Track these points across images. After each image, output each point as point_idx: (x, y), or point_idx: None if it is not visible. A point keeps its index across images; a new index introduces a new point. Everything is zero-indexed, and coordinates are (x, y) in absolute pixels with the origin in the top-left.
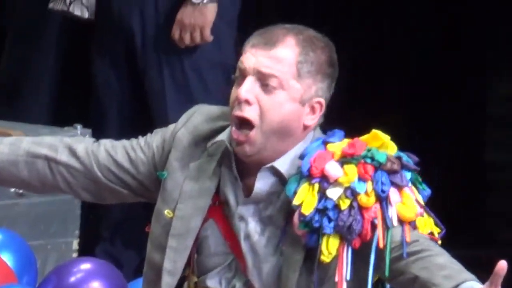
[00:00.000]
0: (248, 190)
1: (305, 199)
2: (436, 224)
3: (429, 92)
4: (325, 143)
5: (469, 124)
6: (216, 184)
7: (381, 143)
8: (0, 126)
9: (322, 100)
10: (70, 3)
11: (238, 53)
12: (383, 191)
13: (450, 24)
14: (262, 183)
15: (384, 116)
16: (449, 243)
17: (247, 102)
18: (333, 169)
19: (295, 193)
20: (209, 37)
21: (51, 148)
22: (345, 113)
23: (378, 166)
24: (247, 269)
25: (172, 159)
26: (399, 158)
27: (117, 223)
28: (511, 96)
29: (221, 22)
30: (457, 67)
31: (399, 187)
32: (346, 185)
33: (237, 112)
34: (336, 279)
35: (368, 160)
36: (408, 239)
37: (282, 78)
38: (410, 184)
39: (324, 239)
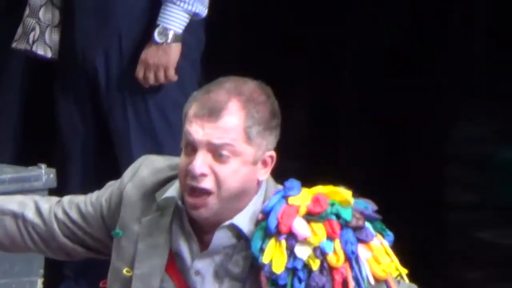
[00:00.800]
0: (203, 244)
1: (274, 256)
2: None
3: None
4: (285, 197)
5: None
6: (170, 240)
7: (343, 198)
8: None
9: (273, 153)
10: (33, 42)
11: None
12: (352, 252)
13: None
14: (220, 239)
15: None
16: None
17: (203, 175)
18: (301, 228)
19: (261, 250)
20: (173, 76)
21: (20, 205)
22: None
23: (344, 224)
24: None
25: (123, 216)
26: (362, 212)
27: (81, 262)
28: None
29: (185, 62)
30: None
31: (366, 242)
32: (315, 245)
33: (193, 183)
34: None
35: (333, 217)
36: None
37: (234, 146)
38: (374, 234)
39: None
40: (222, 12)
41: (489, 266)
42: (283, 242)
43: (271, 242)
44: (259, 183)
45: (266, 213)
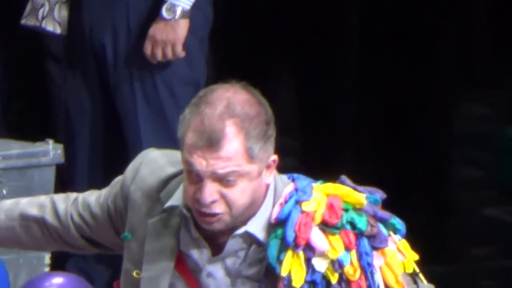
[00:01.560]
0: (214, 248)
1: (292, 269)
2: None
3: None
4: (298, 202)
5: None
6: (177, 242)
7: (355, 201)
8: None
9: (275, 157)
10: (42, 18)
11: (209, 73)
12: (368, 264)
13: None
14: (233, 245)
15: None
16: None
17: (213, 202)
18: (319, 241)
19: (279, 261)
20: (181, 53)
21: (40, 209)
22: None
23: (359, 234)
24: None
25: (131, 219)
26: (374, 216)
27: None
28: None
29: (193, 39)
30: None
31: (380, 249)
32: (333, 258)
33: (204, 210)
34: None
35: (348, 227)
36: None
37: (238, 170)
38: (387, 235)
39: None
40: None
41: (493, 242)
42: (301, 254)
43: (289, 254)
44: (267, 186)
45: (281, 220)
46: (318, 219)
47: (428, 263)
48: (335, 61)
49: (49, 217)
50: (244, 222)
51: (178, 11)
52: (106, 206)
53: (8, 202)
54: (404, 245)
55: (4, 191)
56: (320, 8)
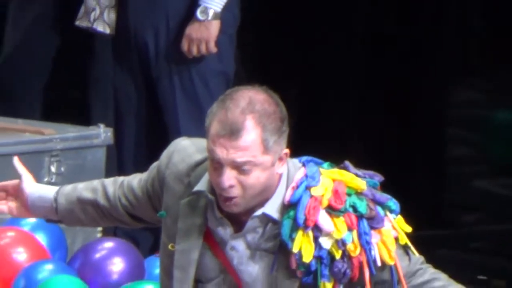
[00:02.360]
0: (236, 226)
1: (302, 246)
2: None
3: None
4: (308, 188)
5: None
6: (205, 220)
7: (357, 187)
8: (33, 125)
9: (287, 150)
10: (94, 20)
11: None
12: (367, 242)
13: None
14: (252, 224)
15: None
16: (411, 225)
17: (231, 186)
18: (326, 223)
19: (291, 238)
20: (213, 48)
21: (93, 192)
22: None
23: (360, 216)
24: (242, 286)
25: (166, 200)
26: (373, 200)
27: None
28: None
29: (223, 36)
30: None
31: (377, 229)
32: (338, 238)
33: (224, 193)
34: None
35: (351, 210)
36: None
37: (254, 160)
38: (384, 216)
39: (321, 281)
40: None
41: (483, 210)
42: (310, 233)
43: (299, 233)
44: (280, 175)
45: (293, 203)
46: (325, 203)
47: (424, 229)
48: (340, 48)
49: (101, 199)
50: (262, 204)
51: (211, 13)
52: (145, 189)
53: (68, 188)
54: (399, 221)
55: (62, 169)
56: None
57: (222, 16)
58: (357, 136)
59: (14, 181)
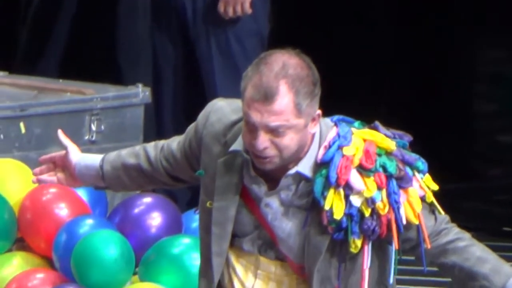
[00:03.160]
0: (270, 184)
1: (334, 203)
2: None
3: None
4: (340, 147)
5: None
6: (241, 178)
7: (387, 147)
8: (75, 86)
9: (319, 112)
10: None
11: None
12: (395, 201)
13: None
14: (286, 182)
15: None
16: (438, 179)
17: (265, 148)
18: (357, 182)
19: (323, 196)
20: (248, 9)
21: (136, 158)
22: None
23: (390, 176)
24: (276, 240)
25: (204, 159)
26: (403, 160)
27: None
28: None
29: None
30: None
31: (405, 188)
32: (368, 196)
33: (258, 154)
34: (364, 266)
35: (381, 170)
36: (425, 235)
37: (287, 124)
38: (412, 176)
39: (351, 237)
40: None
41: (507, 164)
42: (341, 191)
43: (331, 191)
44: (312, 135)
45: (325, 162)
46: (356, 162)
47: (451, 182)
48: (370, 16)
49: (144, 164)
50: (295, 162)
51: None
52: (183, 150)
53: (112, 155)
54: (427, 180)
55: (102, 127)
56: None
57: None
58: (386, 95)
59: (61, 153)
